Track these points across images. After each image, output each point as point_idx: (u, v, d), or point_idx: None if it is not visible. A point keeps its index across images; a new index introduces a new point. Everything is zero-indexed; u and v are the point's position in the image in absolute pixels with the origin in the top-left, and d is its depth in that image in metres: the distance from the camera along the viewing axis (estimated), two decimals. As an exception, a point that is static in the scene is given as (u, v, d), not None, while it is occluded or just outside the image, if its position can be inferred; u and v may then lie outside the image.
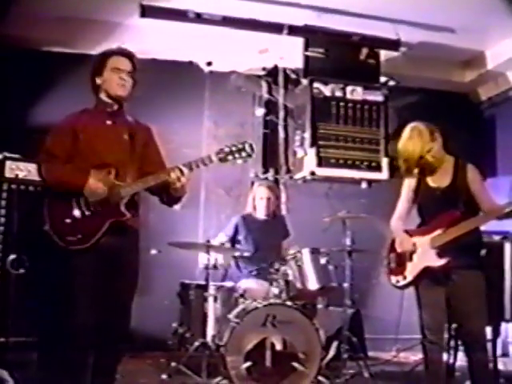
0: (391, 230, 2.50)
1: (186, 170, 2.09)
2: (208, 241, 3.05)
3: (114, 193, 2.09)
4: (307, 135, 3.79)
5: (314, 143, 3.77)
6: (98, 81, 2.18)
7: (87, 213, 2.08)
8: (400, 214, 2.52)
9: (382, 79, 3.87)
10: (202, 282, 3.12)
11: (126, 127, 2.18)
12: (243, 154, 2.13)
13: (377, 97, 3.84)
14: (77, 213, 2.08)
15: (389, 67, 3.87)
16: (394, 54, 3.84)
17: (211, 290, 3.08)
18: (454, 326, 2.60)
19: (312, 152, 3.78)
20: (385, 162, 3.82)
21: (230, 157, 2.12)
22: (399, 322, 2.88)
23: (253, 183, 3.81)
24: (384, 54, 3.84)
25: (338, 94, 3.79)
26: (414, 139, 2.36)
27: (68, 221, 2.07)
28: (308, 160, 3.80)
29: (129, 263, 2.12)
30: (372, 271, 3.85)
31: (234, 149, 2.13)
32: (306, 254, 3.00)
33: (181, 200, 2.19)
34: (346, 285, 3.22)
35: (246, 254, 3.32)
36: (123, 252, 2.09)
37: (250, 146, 2.12)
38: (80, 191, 2.08)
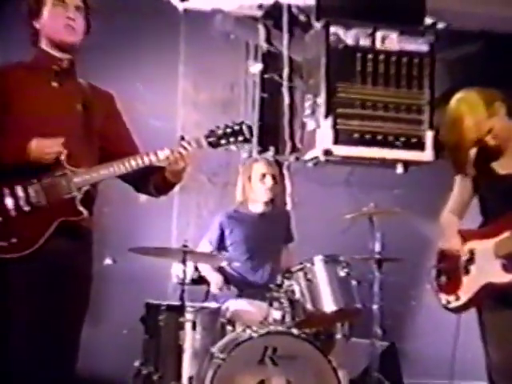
0: (440, 227, 2.41)
1: (191, 147, 2.11)
2: (185, 245, 3.03)
3: (65, 182, 2.05)
4: (321, 100, 3.78)
5: (330, 112, 3.77)
6: (37, 25, 2.11)
7: (26, 208, 2.01)
8: (453, 207, 2.44)
9: (427, 20, 3.84)
10: (176, 303, 3.11)
11: (79, 93, 2.15)
12: (239, 137, 2.16)
13: (419, 46, 3.78)
14: (11, 207, 2.00)
15: (437, 2, 3.81)
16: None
17: (188, 314, 3.08)
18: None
19: (327, 124, 3.78)
20: (429, 137, 3.79)
21: (223, 141, 2.15)
22: (453, 362, 2.74)
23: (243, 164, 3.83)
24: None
25: (365, 42, 3.76)
26: (463, 119, 2.21)
27: None
28: (322, 135, 3.80)
29: (79, 278, 2.10)
30: (411, 288, 3.87)
31: (228, 131, 2.16)
32: (318, 264, 2.99)
33: (173, 188, 2.22)
34: (374, 307, 3.26)
35: (235, 264, 3.31)
36: (73, 263, 2.07)
37: (249, 128, 2.16)
38: (18, 167, 1.99)
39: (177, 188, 4.11)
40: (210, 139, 2.15)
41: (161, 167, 2.15)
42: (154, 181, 2.21)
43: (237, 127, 2.16)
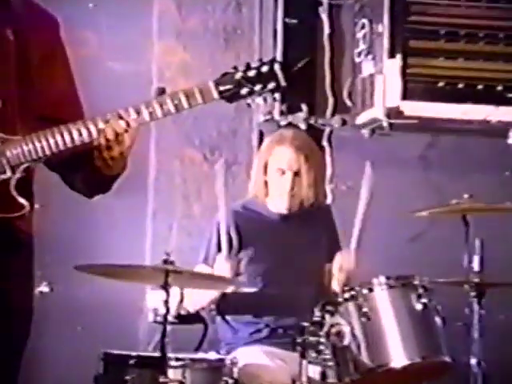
0: None
1: (133, 119, 2.13)
2: (166, 260, 2.96)
3: None
4: (384, 28, 3.77)
5: (398, 46, 3.74)
6: None
7: None
8: None
9: None
10: (153, 354, 3.13)
11: (8, 17, 2.19)
12: (270, 84, 2.16)
13: None
14: None
15: None
16: None
17: (173, 372, 3.00)
18: None
19: (394, 66, 3.75)
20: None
21: (244, 90, 2.15)
22: None
23: (262, 136, 3.83)
24: None
25: None
26: None
27: None
28: (384, 84, 3.78)
29: (16, 305, 2.15)
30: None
31: (252, 74, 2.16)
32: (380, 291, 2.96)
33: (114, 183, 2.25)
34: (472, 361, 3.18)
35: (247, 291, 3.25)
36: (8, 283, 2.14)
37: (285, 68, 2.17)
38: None
39: (152, 172, 3.71)
40: (225, 87, 2.13)
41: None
42: (83, 172, 2.24)
43: (265, 68, 2.16)
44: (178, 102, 2.12)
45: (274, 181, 3.42)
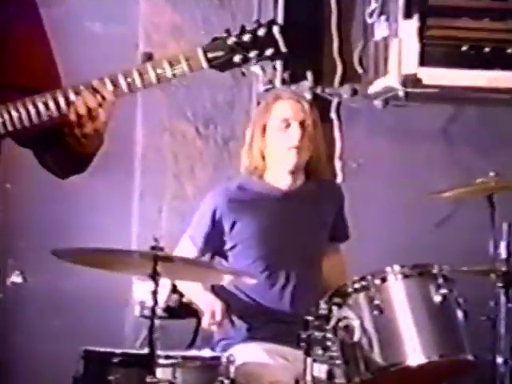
0: None
1: (108, 92, 2.12)
2: (155, 247, 2.95)
3: None
4: None
5: (414, 8, 3.77)
6: None
7: None
8: None
9: None
10: (140, 351, 3.13)
11: None
12: (267, 50, 2.15)
13: None
14: None
15: None
16: None
17: (162, 371, 3.02)
18: None
19: (410, 28, 3.75)
20: None
21: (237, 57, 2.15)
22: None
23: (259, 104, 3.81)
24: None
25: None
26: None
27: None
28: (400, 49, 3.77)
29: None
30: None
31: (246, 38, 2.15)
32: (394, 280, 2.97)
33: (89, 162, 2.25)
34: (498, 360, 3.22)
35: (247, 282, 3.26)
36: None
37: (285, 32, 2.15)
38: None
39: (139, 148, 3.80)
40: (215, 54, 2.13)
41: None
42: (53, 150, 2.23)
43: (262, 31, 2.15)
44: (161, 72, 2.11)
45: (278, 139, 3.41)
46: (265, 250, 3.40)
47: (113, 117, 2.11)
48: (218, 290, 3.38)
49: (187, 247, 3.42)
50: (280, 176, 3.42)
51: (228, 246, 3.42)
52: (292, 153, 3.37)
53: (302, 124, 3.39)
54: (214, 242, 3.42)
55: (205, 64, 2.11)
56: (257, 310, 3.35)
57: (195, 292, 3.37)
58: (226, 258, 3.44)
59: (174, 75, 2.12)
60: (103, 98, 2.10)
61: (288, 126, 3.38)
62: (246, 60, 2.15)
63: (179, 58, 2.12)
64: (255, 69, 2.17)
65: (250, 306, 3.37)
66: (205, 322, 3.28)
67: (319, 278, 3.43)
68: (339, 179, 3.95)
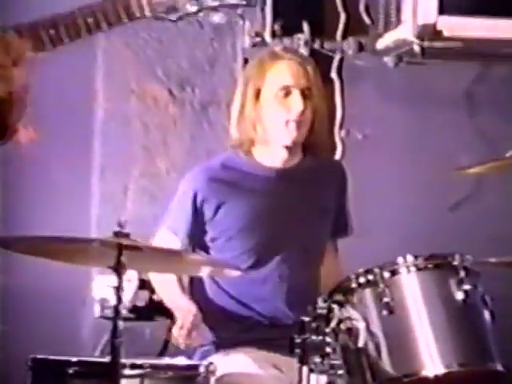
0: None
1: (25, 48, 2.14)
2: (118, 233, 2.94)
3: None
4: None
5: None
6: None
7: None
8: None
9: None
10: (100, 359, 3.17)
11: None
12: None
13: None
14: None
15: None
16: None
17: (128, 382, 3.03)
18: None
19: None
20: None
21: (190, 5, 2.16)
22: None
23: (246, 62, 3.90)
24: None
25: None
26: None
27: None
28: None
29: None
30: None
31: None
32: (407, 273, 2.97)
33: (8, 132, 2.26)
34: None
35: (232, 274, 3.27)
36: None
37: None
38: None
39: (99, 116, 3.81)
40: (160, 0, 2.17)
41: None
42: None
43: None
44: (92, 21, 2.11)
45: (274, 109, 3.38)
46: (254, 240, 3.40)
47: (36, 77, 2.05)
48: (195, 291, 3.40)
49: (167, 241, 3.39)
50: (273, 151, 3.42)
51: (209, 236, 3.43)
52: (291, 126, 3.35)
53: (305, 92, 3.37)
54: (198, 233, 3.43)
55: (148, 12, 2.10)
56: (243, 311, 3.35)
57: (169, 293, 3.38)
58: (206, 250, 3.43)
59: (109, 25, 2.36)
60: (18, 55, 2.06)
61: (288, 94, 3.36)
62: (200, 9, 2.17)
63: (116, 5, 2.15)
64: (216, 19, 2.16)
65: (237, 308, 3.37)
66: (174, 331, 3.27)
67: (318, 274, 3.44)
68: (338, 154, 3.99)
